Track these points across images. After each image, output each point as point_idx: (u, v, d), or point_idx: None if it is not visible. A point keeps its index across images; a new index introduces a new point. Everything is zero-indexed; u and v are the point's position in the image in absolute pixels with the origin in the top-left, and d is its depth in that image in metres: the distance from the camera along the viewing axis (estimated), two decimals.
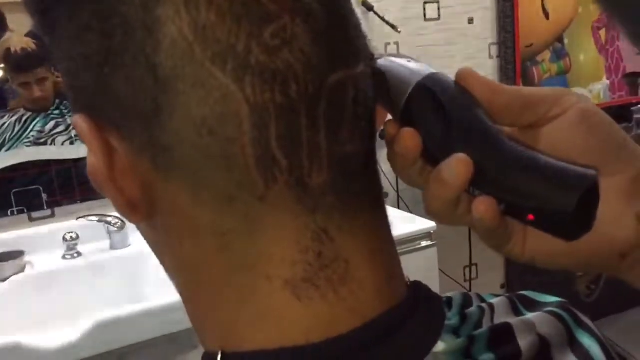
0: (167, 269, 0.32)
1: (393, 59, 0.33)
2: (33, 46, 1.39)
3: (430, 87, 0.31)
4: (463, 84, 0.31)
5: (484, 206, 0.29)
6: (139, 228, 0.32)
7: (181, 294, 0.32)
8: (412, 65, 0.33)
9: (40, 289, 1.25)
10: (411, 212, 1.57)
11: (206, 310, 0.30)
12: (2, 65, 1.41)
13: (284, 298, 0.28)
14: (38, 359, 0.94)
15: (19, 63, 1.41)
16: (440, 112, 0.31)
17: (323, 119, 0.27)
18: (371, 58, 0.31)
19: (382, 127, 0.33)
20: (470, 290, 1.90)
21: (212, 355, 0.29)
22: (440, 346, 0.30)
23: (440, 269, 1.46)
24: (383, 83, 0.32)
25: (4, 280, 1.24)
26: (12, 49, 1.40)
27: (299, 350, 0.28)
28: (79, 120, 0.29)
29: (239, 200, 0.27)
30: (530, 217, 0.29)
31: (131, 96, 0.27)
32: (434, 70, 0.32)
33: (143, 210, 0.29)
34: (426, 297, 0.32)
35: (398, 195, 1.75)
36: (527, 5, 1.97)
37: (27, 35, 1.40)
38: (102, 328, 0.98)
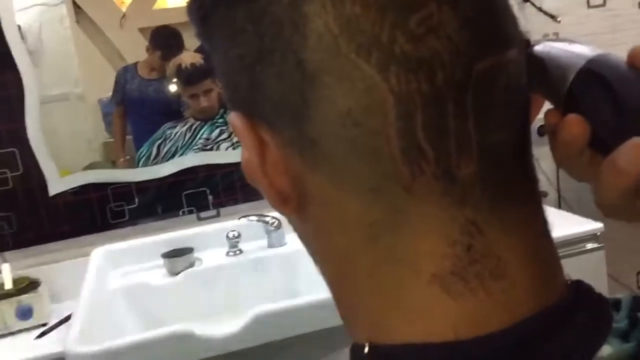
0: (316, 262, 0.33)
1: (552, 43, 0.31)
2: (201, 60, 1.51)
3: (596, 69, 0.29)
4: (635, 63, 0.29)
5: None
6: (290, 221, 0.33)
7: (330, 286, 0.33)
8: (575, 47, 0.30)
9: (207, 283, 1.35)
10: (574, 213, 1.46)
11: (353, 302, 0.31)
12: (175, 80, 1.55)
13: (431, 292, 0.27)
14: (205, 347, 1.02)
15: (188, 77, 1.54)
16: (610, 95, 0.28)
17: (471, 107, 0.26)
18: (527, 44, 0.30)
19: (540, 123, 0.31)
20: None
21: (360, 347, 0.30)
22: (606, 350, 0.28)
23: (608, 274, 1.34)
24: (541, 70, 0.30)
25: (177, 274, 1.36)
26: (183, 65, 1.53)
27: (448, 347, 0.27)
28: (234, 117, 0.30)
29: (384, 191, 0.27)
30: None
31: (280, 92, 0.28)
32: (600, 51, 0.30)
33: (294, 203, 0.30)
34: (590, 297, 0.30)
35: (559, 195, 1.64)
36: None
37: (196, 50, 1.52)
38: (262, 321, 1.03)
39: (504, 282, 0.27)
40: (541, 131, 0.31)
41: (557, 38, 0.32)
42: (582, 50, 0.30)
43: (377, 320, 0.29)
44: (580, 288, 0.30)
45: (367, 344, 0.29)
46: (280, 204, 0.31)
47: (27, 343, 1.26)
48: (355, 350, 0.30)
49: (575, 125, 0.29)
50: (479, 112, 0.27)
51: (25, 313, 1.31)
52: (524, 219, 0.29)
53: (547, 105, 0.32)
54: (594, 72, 0.29)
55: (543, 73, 0.30)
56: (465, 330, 0.27)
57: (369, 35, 0.25)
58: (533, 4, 1.59)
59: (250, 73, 0.29)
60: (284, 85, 0.27)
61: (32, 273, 1.42)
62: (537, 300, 0.28)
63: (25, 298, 1.31)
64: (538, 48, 0.31)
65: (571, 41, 0.31)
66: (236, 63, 0.30)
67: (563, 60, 0.30)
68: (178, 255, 1.39)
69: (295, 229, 0.33)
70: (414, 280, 0.28)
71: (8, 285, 1.34)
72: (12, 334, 1.30)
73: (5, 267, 1.36)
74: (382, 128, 0.26)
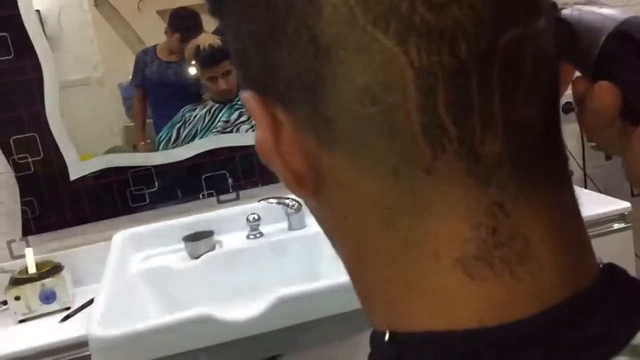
0: (334, 245, 0.32)
1: (581, 6, 0.29)
2: (219, 42, 1.50)
3: (629, 32, 0.27)
4: None
5: None
6: (307, 204, 0.32)
7: (348, 270, 0.31)
8: (605, 10, 0.29)
9: (228, 266, 1.35)
10: (600, 192, 1.43)
11: (372, 288, 0.30)
12: (194, 62, 1.54)
13: (454, 277, 0.26)
14: (226, 330, 1.02)
15: (207, 59, 1.53)
16: None
17: (497, 81, 0.25)
18: (554, 8, 0.28)
19: (564, 100, 0.30)
20: None
21: (380, 334, 0.29)
22: None
23: (636, 255, 1.32)
24: (569, 35, 0.29)
25: (198, 257, 1.36)
26: (201, 47, 1.52)
27: (471, 335, 0.26)
28: (247, 96, 0.29)
29: (403, 173, 0.26)
30: None
31: (294, 69, 0.26)
32: (633, 14, 0.28)
33: (310, 185, 0.29)
34: (623, 281, 0.28)
35: (585, 174, 1.60)
36: None
37: (214, 32, 1.51)
38: (283, 304, 1.02)
39: (532, 265, 0.26)
40: (566, 108, 0.30)
41: (586, 1, 0.30)
42: (614, 13, 0.28)
43: (396, 306, 0.28)
44: (612, 271, 0.28)
45: (387, 332, 0.28)
46: (296, 185, 0.29)
47: (51, 326, 1.28)
48: (376, 338, 0.29)
49: (605, 93, 0.27)
50: (506, 87, 0.25)
51: (48, 297, 1.32)
52: (553, 199, 0.27)
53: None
54: (627, 35, 0.27)
55: (571, 39, 0.29)
56: (490, 317, 0.26)
57: (387, 5, 0.24)
58: None
59: (263, 50, 0.27)
60: (297, 61, 0.26)
61: (55, 257, 1.44)
62: (566, 284, 0.26)
63: (48, 282, 1.33)
64: (566, 12, 0.29)
65: (601, 4, 0.29)
66: (248, 40, 0.28)
67: (593, 23, 0.28)
68: (199, 239, 1.39)
69: (312, 211, 0.32)
70: (434, 265, 0.26)
71: (31, 269, 1.36)
72: (36, 317, 1.32)
73: (29, 251, 1.38)
74: (401, 103, 0.25)
